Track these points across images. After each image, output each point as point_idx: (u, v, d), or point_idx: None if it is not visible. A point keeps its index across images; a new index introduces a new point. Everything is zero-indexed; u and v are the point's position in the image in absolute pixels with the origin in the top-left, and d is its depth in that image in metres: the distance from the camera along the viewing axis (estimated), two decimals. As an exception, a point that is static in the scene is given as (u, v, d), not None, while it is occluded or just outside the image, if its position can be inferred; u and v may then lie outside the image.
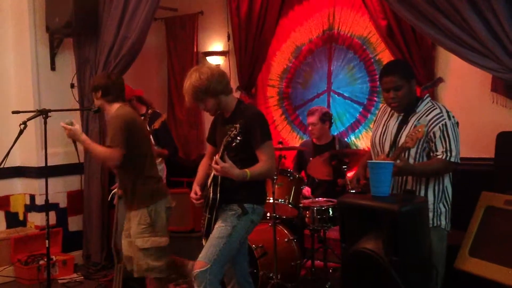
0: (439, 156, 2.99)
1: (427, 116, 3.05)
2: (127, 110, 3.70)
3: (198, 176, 3.47)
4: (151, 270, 3.64)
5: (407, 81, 3.08)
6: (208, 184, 3.29)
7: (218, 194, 3.19)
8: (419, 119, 3.06)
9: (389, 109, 3.26)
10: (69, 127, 3.65)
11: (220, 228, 3.18)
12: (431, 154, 3.04)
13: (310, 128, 4.85)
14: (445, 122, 3.00)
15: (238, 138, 3.00)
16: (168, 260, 3.73)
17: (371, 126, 5.08)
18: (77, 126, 3.72)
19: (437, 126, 3.00)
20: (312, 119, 4.81)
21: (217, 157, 3.06)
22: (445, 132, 2.99)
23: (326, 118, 4.84)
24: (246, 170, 3.08)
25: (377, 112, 3.48)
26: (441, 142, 2.99)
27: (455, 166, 3.03)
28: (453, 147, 2.98)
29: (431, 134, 3.01)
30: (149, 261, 3.62)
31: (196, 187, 3.38)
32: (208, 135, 3.49)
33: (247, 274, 3.47)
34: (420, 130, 2.86)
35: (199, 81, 3.13)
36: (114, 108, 3.71)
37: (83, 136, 3.70)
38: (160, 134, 4.59)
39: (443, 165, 3.00)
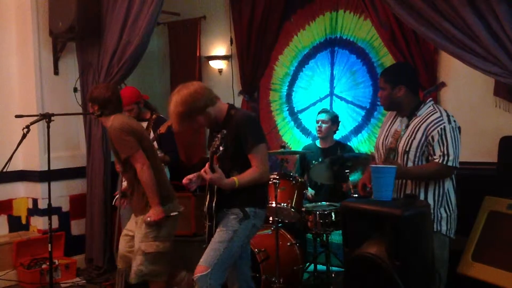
0: (436, 160, 2.99)
1: (426, 120, 3.06)
2: (121, 119, 3.71)
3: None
4: (149, 274, 3.65)
5: (390, 86, 3.17)
6: (206, 191, 3.30)
7: (214, 203, 3.21)
8: (419, 123, 3.07)
9: (394, 113, 3.31)
10: None
11: (221, 232, 3.19)
12: (430, 158, 3.04)
13: (319, 125, 4.87)
14: (444, 126, 3.00)
15: (221, 148, 3.02)
16: (168, 266, 3.74)
17: (374, 130, 5.08)
18: None
19: (436, 130, 3.00)
20: (324, 116, 4.86)
21: (206, 167, 3.09)
22: (443, 136, 2.99)
23: (336, 121, 4.92)
24: (235, 178, 3.11)
25: (382, 117, 3.52)
26: (439, 145, 2.99)
27: (453, 170, 3.03)
28: (450, 151, 2.97)
29: (430, 138, 3.01)
30: (149, 265, 3.63)
31: (194, 174, 3.33)
32: (208, 143, 3.49)
33: (249, 279, 3.47)
34: (398, 130, 2.97)
35: (178, 106, 3.13)
36: (110, 120, 3.72)
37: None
38: (164, 139, 4.57)
39: (440, 169, 3.00)
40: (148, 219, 3.57)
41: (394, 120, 3.28)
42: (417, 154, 3.05)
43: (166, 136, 4.57)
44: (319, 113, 4.93)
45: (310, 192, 4.80)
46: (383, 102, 3.27)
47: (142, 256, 3.62)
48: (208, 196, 3.27)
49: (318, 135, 4.93)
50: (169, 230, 3.72)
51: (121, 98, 3.86)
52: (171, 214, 3.65)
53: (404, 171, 3.02)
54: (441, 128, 3.00)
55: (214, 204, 3.21)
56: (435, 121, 3.03)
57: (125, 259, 3.80)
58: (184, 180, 3.31)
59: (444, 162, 2.97)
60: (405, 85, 3.18)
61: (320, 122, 4.87)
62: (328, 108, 5.19)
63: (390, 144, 3.00)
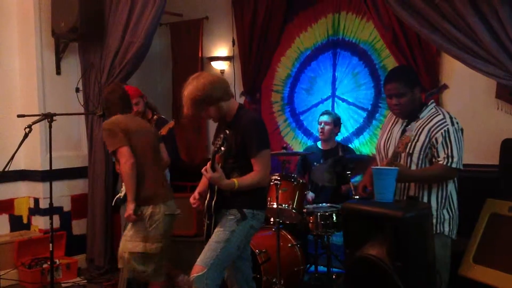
0: (440, 162, 2.98)
1: (430, 122, 3.05)
2: (118, 118, 3.74)
3: (201, 182, 3.48)
4: (137, 273, 3.67)
5: (410, 89, 3.09)
6: (207, 190, 3.32)
7: (214, 201, 3.21)
8: (422, 126, 3.06)
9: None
10: None
11: (218, 233, 3.19)
12: (433, 160, 3.03)
13: (321, 127, 4.86)
14: (448, 128, 2.99)
15: (222, 148, 3.04)
16: (163, 268, 3.75)
17: (375, 132, 5.08)
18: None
19: (439, 132, 2.99)
20: (327, 118, 4.86)
21: (208, 165, 3.09)
22: (447, 138, 2.98)
23: (338, 123, 4.93)
24: (234, 180, 3.11)
25: (383, 118, 3.49)
26: (443, 148, 2.98)
27: (457, 172, 3.02)
28: (454, 153, 2.97)
29: (433, 140, 3.00)
30: (135, 265, 3.64)
31: (196, 192, 3.41)
32: (213, 139, 3.50)
33: (250, 280, 3.46)
34: (407, 134, 2.91)
35: (196, 91, 3.13)
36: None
37: None
38: (165, 141, 4.56)
39: (444, 171, 2.99)
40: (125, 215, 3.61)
41: (395, 122, 3.27)
42: (421, 157, 3.04)
43: (167, 138, 4.55)
44: (321, 114, 4.93)
45: (311, 195, 4.79)
46: (404, 109, 3.12)
47: (128, 255, 3.63)
48: (208, 194, 3.28)
49: (320, 137, 4.93)
50: (161, 231, 3.67)
51: (127, 98, 3.87)
52: (139, 213, 3.61)
53: (409, 174, 3.01)
54: (444, 130, 2.99)
55: (213, 203, 3.22)
56: (438, 123, 3.02)
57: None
58: (194, 206, 3.39)
59: (449, 164, 2.96)
60: (420, 86, 3.18)
61: (322, 124, 4.87)
62: (330, 110, 5.19)
63: (398, 148, 2.97)
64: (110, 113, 3.82)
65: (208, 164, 3.10)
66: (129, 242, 3.64)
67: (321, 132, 4.89)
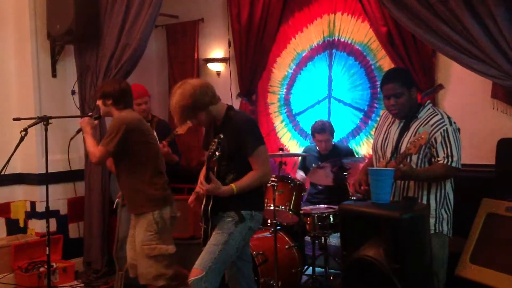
0: (441, 162, 3.00)
1: (428, 122, 3.06)
2: (133, 115, 3.69)
3: (199, 181, 3.46)
4: (159, 277, 3.61)
5: (407, 88, 3.12)
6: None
7: (210, 206, 3.20)
8: (420, 126, 3.07)
9: (390, 115, 3.29)
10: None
11: (216, 235, 3.18)
12: (433, 159, 3.05)
13: (323, 144, 4.81)
14: (446, 128, 3.02)
15: (217, 153, 3.02)
16: (176, 269, 3.73)
17: (372, 132, 5.08)
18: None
19: (438, 132, 3.02)
20: (324, 136, 4.79)
21: (202, 178, 3.08)
22: (446, 138, 3.00)
23: (333, 131, 4.88)
24: (232, 185, 3.11)
25: (378, 118, 3.49)
26: (442, 147, 3.00)
27: (456, 171, 3.04)
28: (454, 152, 2.99)
29: (433, 139, 3.02)
30: (159, 269, 3.60)
31: (194, 194, 3.39)
32: (203, 142, 3.49)
33: (251, 281, 3.46)
34: (423, 137, 2.89)
35: (183, 99, 3.10)
36: (122, 114, 3.67)
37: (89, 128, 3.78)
38: (173, 141, 4.56)
39: (445, 170, 3.01)
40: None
41: (392, 121, 3.28)
42: (420, 156, 3.06)
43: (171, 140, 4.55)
44: (317, 132, 4.82)
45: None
46: (402, 109, 3.14)
47: (148, 259, 3.60)
48: (204, 199, 3.27)
49: (323, 153, 4.88)
50: (170, 232, 3.70)
51: (132, 92, 3.84)
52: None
53: (416, 173, 3.02)
54: (443, 130, 3.01)
55: (210, 208, 3.21)
56: (437, 123, 3.04)
57: (135, 268, 3.73)
58: (192, 208, 3.37)
59: (449, 164, 2.99)
60: (416, 86, 3.19)
61: (323, 142, 4.81)
62: (323, 120, 5.04)
63: (409, 150, 2.96)
64: (123, 106, 3.67)
65: (202, 176, 3.09)
66: (145, 247, 3.59)
67: (323, 149, 4.84)
